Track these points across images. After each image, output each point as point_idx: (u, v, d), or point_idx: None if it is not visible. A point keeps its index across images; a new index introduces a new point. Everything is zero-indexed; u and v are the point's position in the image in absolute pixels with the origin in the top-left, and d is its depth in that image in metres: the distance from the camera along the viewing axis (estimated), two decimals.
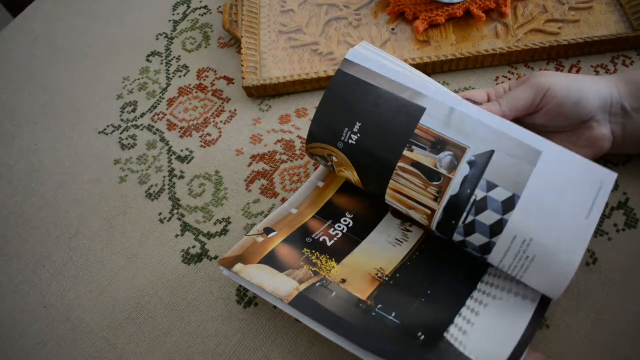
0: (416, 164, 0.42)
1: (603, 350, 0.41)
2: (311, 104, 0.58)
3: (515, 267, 0.40)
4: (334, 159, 0.46)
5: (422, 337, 0.39)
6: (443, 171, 0.42)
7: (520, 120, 0.46)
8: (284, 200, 0.52)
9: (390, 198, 0.45)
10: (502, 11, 0.59)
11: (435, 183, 0.42)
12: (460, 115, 0.42)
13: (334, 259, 0.45)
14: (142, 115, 0.61)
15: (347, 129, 0.45)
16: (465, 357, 0.38)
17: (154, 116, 0.61)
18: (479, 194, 0.40)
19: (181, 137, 0.59)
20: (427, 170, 0.42)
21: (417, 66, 0.56)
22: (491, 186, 0.40)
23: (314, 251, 0.45)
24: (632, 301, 0.43)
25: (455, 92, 0.48)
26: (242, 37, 0.62)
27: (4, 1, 1.13)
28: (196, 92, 0.62)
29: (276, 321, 0.46)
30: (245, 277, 0.42)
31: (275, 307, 0.47)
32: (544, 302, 0.40)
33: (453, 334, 0.39)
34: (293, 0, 0.66)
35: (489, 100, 0.46)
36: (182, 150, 0.58)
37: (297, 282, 0.42)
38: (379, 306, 0.41)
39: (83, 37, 0.70)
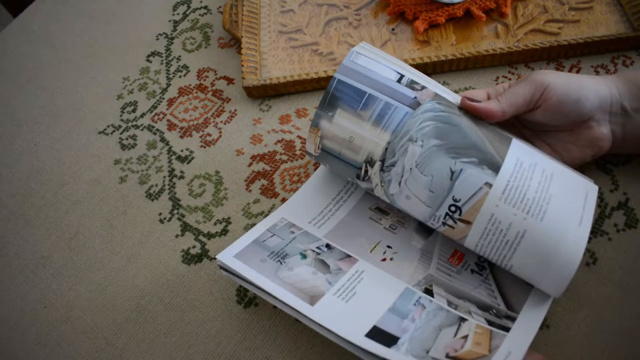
0: None
1: (603, 350, 0.41)
2: (311, 104, 0.58)
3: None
4: None
5: None
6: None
7: (520, 117, 0.46)
8: (283, 200, 0.52)
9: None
10: (502, 11, 0.59)
11: None
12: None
13: None
14: (142, 115, 0.61)
15: None
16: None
17: (154, 116, 0.61)
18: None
19: (181, 137, 0.59)
20: None
21: (417, 66, 0.56)
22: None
23: None
24: (632, 301, 0.43)
25: (456, 92, 0.48)
26: (242, 37, 0.62)
27: (4, 1, 1.13)
28: (196, 92, 0.62)
29: (276, 321, 0.46)
30: None
31: (275, 307, 0.47)
32: None
33: None
34: (293, 0, 0.66)
35: (488, 99, 0.46)
36: (182, 150, 0.58)
37: None
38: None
39: (83, 37, 0.70)
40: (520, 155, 0.42)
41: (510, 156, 0.42)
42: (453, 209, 0.41)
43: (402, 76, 0.45)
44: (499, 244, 0.40)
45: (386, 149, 0.43)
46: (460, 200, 0.41)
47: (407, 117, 0.43)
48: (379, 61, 0.45)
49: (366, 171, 0.44)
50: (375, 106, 0.43)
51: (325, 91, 0.45)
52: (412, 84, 0.44)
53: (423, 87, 0.44)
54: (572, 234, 0.40)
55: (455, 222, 0.42)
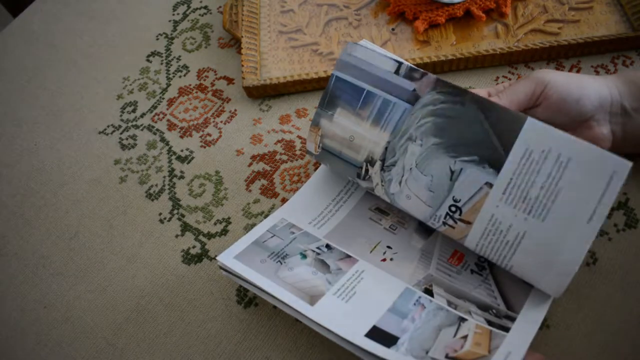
0: None
1: (603, 350, 0.41)
2: (311, 104, 0.58)
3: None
4: None
5: None
6: None
7: None
8: (284, 200, 0.52)
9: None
10: (502, 11, 0.59)
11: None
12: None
13: None
14: (142, 115, 0.61)
15: None
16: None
17: (154, 116, 0.61)
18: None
19: (181, 137, 0.59)
20: None
21: (417, 66, 0.56)
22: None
23: None
24: (632, 301, 0.43)
25: None
26: (242, 37, 0.62)
27: (4, 1, 1.13)
28: (196, 92, 0.62)
29: (276, 321, 0.46)
30: None
31: (275, 307, 0.47)
32: None
33: None
34: (293, 0, 0.66)
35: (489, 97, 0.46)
36: (182, 150, 0.58)
37: None
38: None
39: (83, 37, 0.70)
40: (530, 143, 0.39)
41: (517, 147, 0.40)
42: (453, 209, 0.41)
43: (400, 65, 0.44)
44: (499, 244, 0.40)
45: (386, 148, 0.43)
46: (460, 200, 0.41)
47: (405, 115, 0.43)
48: (375, 50, 0.45)
49: (367, 170, 0.44)
50: (373, 104, 0.43)
51: (325, 90, 0.45)
52: (411, 73, 0.44)
53: (423, 75, 0.43)
54: (576, 234, 0.39)
55: (456, 222, 0.42)
